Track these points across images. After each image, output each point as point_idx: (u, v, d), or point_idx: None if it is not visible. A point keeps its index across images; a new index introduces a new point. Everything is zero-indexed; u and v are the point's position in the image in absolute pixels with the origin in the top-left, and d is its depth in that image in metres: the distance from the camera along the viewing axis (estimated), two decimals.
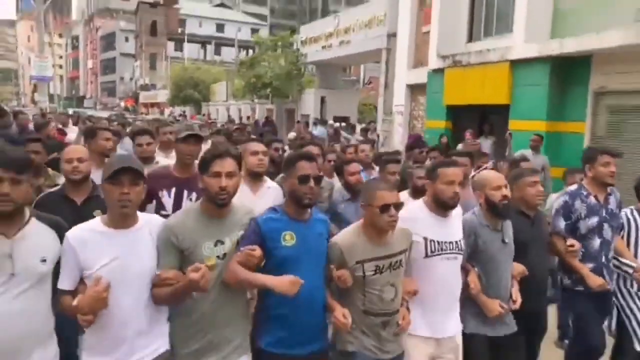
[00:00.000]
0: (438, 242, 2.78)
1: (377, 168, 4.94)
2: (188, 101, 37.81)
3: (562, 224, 3.47)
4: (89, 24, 71.55)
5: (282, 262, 2.41)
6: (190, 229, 2.33)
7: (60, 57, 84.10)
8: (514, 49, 9.34)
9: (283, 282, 2.27)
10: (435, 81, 11.63)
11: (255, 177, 3.43)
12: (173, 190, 3.22)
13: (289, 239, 2.44)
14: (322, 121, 17.41)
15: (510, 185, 3.14)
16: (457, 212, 2.92)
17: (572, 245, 3.37)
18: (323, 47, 18.77)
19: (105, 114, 21.74)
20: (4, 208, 2.02)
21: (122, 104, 54.82)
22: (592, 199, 3.47)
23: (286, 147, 6.62)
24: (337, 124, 16.32)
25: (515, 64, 9.37)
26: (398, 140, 13.43)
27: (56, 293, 2.25)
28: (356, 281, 2.52)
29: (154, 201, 3.16)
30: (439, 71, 11.42)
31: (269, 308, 2.49)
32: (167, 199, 3.19)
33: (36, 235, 2.16)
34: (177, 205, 3.15)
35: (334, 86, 20.68)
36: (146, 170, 2.66)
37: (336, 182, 4.26)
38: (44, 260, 2.15)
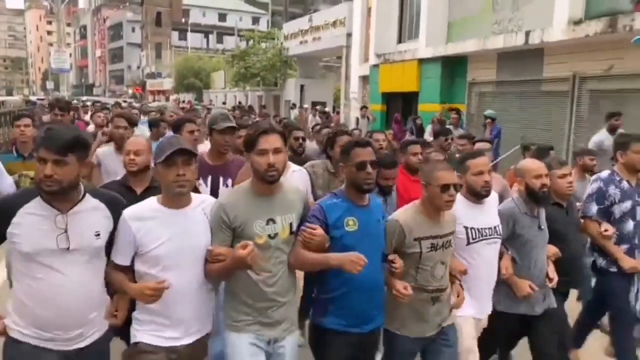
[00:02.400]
0: (478, 230, 2.88)
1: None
2: (190, 88, 41.06)
3: (594, 208, 3.58)
4: (97, 15, 74.35)
5: (346, 246, 2.42)
6: (241, 207, 2.32)
7: (68, 44, 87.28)
8: (420, 50, 12.70)
9: (345, 260, 2.29)
10: (374, 74, 15.01)
11: None
12: (209, 178, 3.25)
13: (352, 224, 2.46)
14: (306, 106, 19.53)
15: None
16: (492, 198, 3.01)
17: (606, 230, 3.50)
18: (300, 43, 22.09)
19: (111, 101, 24.36)
20: (49, 189, 2.02)
21: (130, 91, 57.66)
22: (625, 184, 3.56)
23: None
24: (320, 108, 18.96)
25: (421, 61, 12.72)
26: (353, 119, 16.79)
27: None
28: (412, 258, 2.60)
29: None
30: (376, 66, 14.79)
31: (331, 290, 2.52)
32: (204, 188, 3.21)
33: (90, 211, 2.17)
34: (213, 193, 3.14)
35: (312, 75, 24.00)
36: None
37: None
38: (97, 234, 2.17)
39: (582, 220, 3.61)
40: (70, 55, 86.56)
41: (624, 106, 7.46)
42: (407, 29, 14.29)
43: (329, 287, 2.53)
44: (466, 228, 2.86)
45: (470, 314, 2.92)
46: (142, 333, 2.28)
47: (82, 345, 2.19)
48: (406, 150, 4.18)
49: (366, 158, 2.48)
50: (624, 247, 3.55)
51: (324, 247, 2.40)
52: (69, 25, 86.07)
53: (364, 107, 14.13)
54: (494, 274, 2.98)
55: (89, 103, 18.95)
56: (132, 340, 2.31)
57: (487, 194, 2.91)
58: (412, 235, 2.60)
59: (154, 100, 39.28)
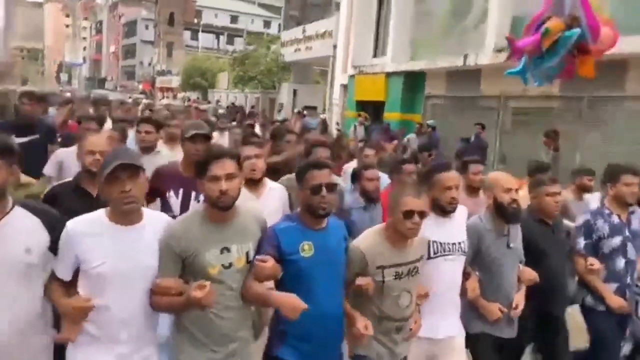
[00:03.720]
0: (441, 244, 2.76)
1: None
2: (196, 87, 42.88)
3: (582, 242, 3.42)
4: (113, 11, 76.54)
5: (301, 272, 2.34)
6: (193, 234, 2.19)
7: (84, 38, 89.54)
8: (387, 65, 14.35)
9: (285, 304, 2.21)
10: (351, 83, 16.68)
11: (253, 182, 3.20)
12: (180, 190, 3.09)
13: (307, 249, 2.35)
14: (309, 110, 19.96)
15: (530, 192, 3.27)
16: (460, 212, 2.90)
17: (592, 264, 3.31)
18: (295, 50, 23.80)
19: (122, 96, 25.89)
20: None
21: (140, 87, 59.58)
22: (615, 218, 3.39)
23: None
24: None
25: (388, 75, 14.36)
26: (334, 124, 18.42)
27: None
28: (375, 286, 2.47)
29: (159, 201, 3.06)
30: (352, 76, 16.45)
31: (285, 319, 2.32)
32: (175, 200, 3.07)
33: (19, 225, 2.05)
34: (184, 206, 3.04)
35: (305, 81, 25.68)
36: (154, 166, 2.84)
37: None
38: (28, 250, 2.04)
39: (570, 245, 3.47)
40: (85, 49, 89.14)
41: (540, 122, 9.01)
42: (381, 45, 15.94)
43: (282, 315, 2.38)
44: (429, 241, 2.74)
45: (424, 335, 2.75)
46: (76, 356, 2.13)
47: None
48: (400, 169, 4.02)
49: (322, 181, 2.35)
50: (614, 285, 3.37)
51: (276, 277, 2.33)
52: (85, 19, 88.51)
53: (360, 115, 14.69)
54: (455, 292, 2.87)
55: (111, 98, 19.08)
56: None
57: (453, 210, 2.81)
58: (375, 264, 2.49)
59: (163, 97, 40.69)
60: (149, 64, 64.27)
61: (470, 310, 2.97)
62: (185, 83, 44.44)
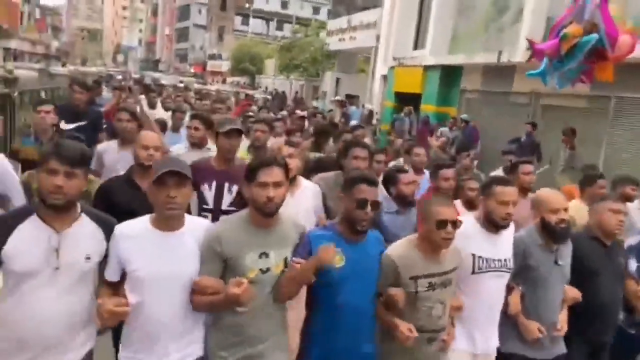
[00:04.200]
0: (486, 260, 2.72)
1: (426, 173, 4.75)
2: (244, 72, 43.95)
3: (634, 265, 3.26)
4: None
5: (330, 282, 2.38)
6: (234, 237, 2.27)
7: (141, 20, 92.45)
8: (425, 58, 14.65)
9: (320, 254, 2.24)
10: (391, 74, 17.05)
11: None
12: (214, 183, 3.19)
13: (338, 260, 2.34)
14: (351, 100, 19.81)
15: (589, 206, 3.17)
16: (509, 229, 2.84)
17: None
18: (339, 40, 24.26)
19: (174, 79, 26.97)
20: (56, 201, 2.01)
21: (192, 70, 61.35)
22: None
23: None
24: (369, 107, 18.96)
25: (426, 68, 14.68)
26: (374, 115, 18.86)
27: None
28: (408, 297, 2.45)
29: (196, 194, 3.09)
30: (392, 68, 16.82)
31: (314, 328, 2.48)
32: (208, 193, 3.17)
33: (84, 233, 2.16)
34: (217, 198, 3.15)
35: (349, 70, 26.13)
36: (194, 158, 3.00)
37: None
38: (88, 258, 2.15)
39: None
40: (141, 30, 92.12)
41: (569, 120, 9.24)
42: (421, 38, 16.21)
43: (315, 323, 2.51)
44: (474, 256, 2.71)
45: (463, 348, 2.75)
46: (124, 354, 2.28)
47: None
48: (437, 174, 4.00)
49: (369, 197, 2.39)
50: None
51: (309, 281, 2.33)
52: (142, 2, 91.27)
53: (407, 107, 14.65)
54: (497, 309, 2.83)
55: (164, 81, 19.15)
56: (119, 355, 2.32)
57: (506, 227, 2.76)
58: (407, 274, 2.47)
59: (213, 81, 41.40)
60: (201, 48, 65.95)
61: (507, 327, 2.88)
62: (234, 68, 45.59)
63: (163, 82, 20.54)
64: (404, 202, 3.58)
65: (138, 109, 4.73)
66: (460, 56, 13.07)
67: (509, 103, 11.76)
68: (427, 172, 4.82)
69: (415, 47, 16.50)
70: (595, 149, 9.03)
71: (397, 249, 2.56)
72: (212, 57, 58.46)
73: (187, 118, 6.14)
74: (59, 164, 2.01)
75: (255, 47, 46.78)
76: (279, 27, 62.65)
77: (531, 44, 7.08)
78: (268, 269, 2.31)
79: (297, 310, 2.69)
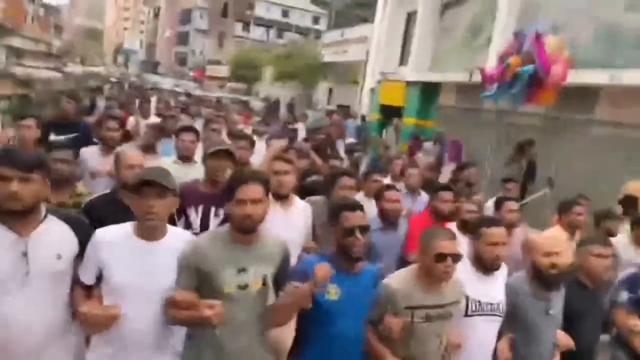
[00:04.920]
0: (479, 303, 2.68)
1: (422, 193, 4.77)
2: (242, 79, 45.00)
3: (625, 296, 3.16)
4: None
5: (323, 313, 2.37)
6: (213, 252, 2.25)
7: (142, 21, 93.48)
8: (407, 74, 15.79)
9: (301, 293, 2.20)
10: (378, 88, 18.18)
11: (280, 197, 3.28)
12: (200, 207, 3.14)
13: (333, 293, 2.34)
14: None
15: (576, 250, 3.10)
16: (502, 272, 2.83)
17: (636, 325, 3.10)
18: (333, 52, 25.44)
19: (172, 83, 27.94)
20: (13, 207, 1.98)
21: (191, 74, 62.32)
22: None
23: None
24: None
25: (408, 83, 15.81)
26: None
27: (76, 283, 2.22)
28: (404, 326, 2.42)
29: (183, 218, 3.10)
30: (379, 82, 17.97)
31: (305, 357, 2.45)
32: (195, 217, 3.13)
33: (52, 233, 2.13)
34: (204, 222, 3.10)
35: (341, 81, 27.28)
36: (189, 177, 3.06)
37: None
38: (60, 257, 2.13)
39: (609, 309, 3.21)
40: (142, 32, 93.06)
41: (527, 136, 10.27)
42: (406, 54, 17.39)
43: (304, 353, 2.47)
44: (467, 298, 2.66)
45: None
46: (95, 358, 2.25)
47: None
48: (436, 196, 3.96)
49: (355, 223, 2.36)
50: None
51: (308, 306, 2.27)
52: (144, 3, 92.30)
53: (395, 118, 15.58)
54: (488, 355, 2.77)
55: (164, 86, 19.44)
56: None
57: (496, 269, 2.73)
58: (404, 304, 2.43)
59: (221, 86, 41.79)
60: (200, 53, 67.04)
61: None
62: (233, 74, 46.64)
63: (164, 86, 21.07)
64: (387, 219, 3.62)
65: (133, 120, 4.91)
66: (437, 74, 14.20)
67: (479, 120, 12.85)
68: (423, 193, 4.90)
69: (401, 63, 17.65)
70: (548, 162, 10.14)
71: (396, 279, 2.56)
72: (212, 62, 59.49)
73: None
74: (11, 170, 1.97)
75: (254, 54, 47.86)
76: (279, 35, 63.84)
77: (481, 71, 8.22)
78: (246, 285, 2.29)
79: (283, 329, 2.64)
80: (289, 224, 3.15)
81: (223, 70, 52.48)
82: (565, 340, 2.93)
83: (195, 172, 3.70)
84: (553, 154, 10.17)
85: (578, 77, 8.93)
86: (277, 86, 34.54)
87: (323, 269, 2.22)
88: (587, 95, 9.45)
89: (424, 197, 4.92)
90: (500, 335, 2.83)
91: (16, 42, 34.32)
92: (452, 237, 2.54)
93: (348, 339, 2.41)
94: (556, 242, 2.98)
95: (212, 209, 3.18)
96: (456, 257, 2.45)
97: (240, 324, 2.29)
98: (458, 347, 2.60)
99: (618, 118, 9.00)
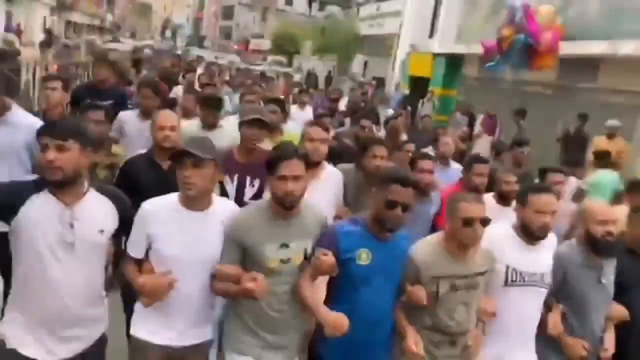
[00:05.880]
0: (520, 273, 2.61)
1: (452, 165, 4.68)
2: (283, 52, 46.11)
3: None
4: None
5: (354, 279, 2.36)
6: (255, 227, 2.28)
7: None
8: (434, 46, 16.63)
9: (329, 322, 2.18)
10: (408, 60, 19.08)
11: (313, 164, 3.14)
12: (236, 176, 3.14)
13: (364, 257, 2.34)
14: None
15: (628, 218, 2.96)
16: (550, 241, 2.73)
17: None
18: (369, 25, 26.26)
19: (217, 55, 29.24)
20: (53, 177, 1.98)
21: (235, 47, 63.75)
22: None
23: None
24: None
25: (435, 55, 16.65)
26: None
27: (119, 255, 2.32)
28: (428, 296, 2.37)
29: (218, 186, 2.94)
30: (409, 54, 18.84)
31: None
32: (230, 186, 3.12)
33: (95, 207, 2.15)
34: (239, 192, 3.10)
35: (376, 54, 28.08)
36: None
37: None
38: (102, 231, 2.16)
39: None
40: (189, 7, 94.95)
41: (539, 104, 11.03)
42: (435, 27, 18.17)
43: None
44: (507, 267, 2.60)
45: None
46: (140, 327, 2.33)
47: (73, 350, 2.16)
48: (471, 168, 3.83)
49: (400, 199, 2.30)
50: None
51: (332, 274, 2.32)
52: None
53: (430, 92, 15.92)
54: (531, 328, 2.70)
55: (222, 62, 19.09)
56: (131, 331, 2.37)
57: (543, 237, 2.64)
58: (429, 273, 2.39)
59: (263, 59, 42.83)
60: (245, 26, 68.22)
61: (548, 348, 2.74)
62: (275, 47, 47.79)
63: (207, 58, 21.95)
64: (419, 189, 3.39)
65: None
66: (462, 46, 15.00)
67: (498, 89, 13.67)
68: (454, 164, 4.82)
69: (430, 35, 18.43)
70: (555, 126, 11.00)
71: (420, 248, 2.50)
72: (255, 35, 60.56)
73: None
74: (49, 139, 1.98)
75: (295, 28, 48.76)
76: (322, 8, 64.09)
77: (482, 44, 9.18)
78: (288, 260, 2.32)
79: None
80: (320, 190, 3.08)
81: (265, 44, 53.51)
82: (619, 311, 2.85)
83: (219, 136, 3.70)
84: (560, 118, 11.01)
85: (580, 47, 9.77)
86: (315, 59, 35.58)
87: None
88: (589, 65, 10.24)
89: (454, 168, 4.80)
90: (548, 308, 2.73)
91: (75, 17, 36.72)
92: (480, 200, 2.46)
93: (377, 304, 2.37)
94: (612, 210, 2.86)
95: (248, 179, 3.18)
96: (484, 221, 2.37)
97: (282, 296, 2.34)
98: (492, 315, 2.57)
99: (618, 86, 9.76)
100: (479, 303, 2.55)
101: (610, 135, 8.07)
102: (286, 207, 2.29)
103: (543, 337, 2.74)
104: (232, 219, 2.34)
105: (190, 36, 78.93)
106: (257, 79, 11.27)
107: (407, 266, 2.44)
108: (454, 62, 15.81)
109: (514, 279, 2.64)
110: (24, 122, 3.11)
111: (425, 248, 2.50)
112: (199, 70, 11.33)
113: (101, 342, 2.31)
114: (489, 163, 4.03)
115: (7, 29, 20.45)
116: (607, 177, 5.91)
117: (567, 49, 9.03)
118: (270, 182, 2.33)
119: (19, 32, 20.33)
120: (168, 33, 76.74)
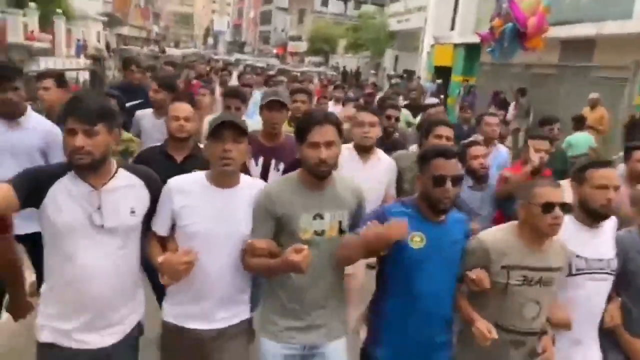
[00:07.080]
0: (586, 260, 2.41)
1: (498, 146, 4.57)
2: (319, 52, 47.91)
3: None
4: None
5: (406, 263, 2.20)
6: (287, 198, 2.17)
7: (229, 4, 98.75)
8: (454, 37, 17.92)
9: (392, 227, 2.00)
10: (432, 51, 20.41)
11: (363, 149, 3.19)
12: (260, 159, 3.14)
13: (418, 240, 2.18)
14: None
15: None
16: (611, 224, 2.52)
17: None
18: (397, 21, 27.62)
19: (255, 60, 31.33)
20: (80, 162, 1.92)
21: (275, 51, 65.87)
22: None
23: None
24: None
25: (455, 45, 17.94)
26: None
27: (146, 235, 2.21)
28: (495, 288, 2.20)
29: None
30: (433, 45, 20.17)
31: (385, 314, 2.28)
32: (254, 168, 3.11)
33: (125, 187, 2.08)
34: (263, 175, 3.08)
35: (406, 48, 29.39)
36: None
37: None
38: (133, 212, 2.08)
39: None
40: (229, 14, 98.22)
41: (544, 84, 12.22)
42: (455, 20, 19.46)
43: (382, 308, 2.30)
44: (571, 255, 2.37)
45: None
46: (170, 312, 2.27)
47: (110, 339, 2.10)
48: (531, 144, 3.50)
49: (447, 172, 2.13)
50: None
51: (385, 249, 2.12)
52: None
53: (465, 80, 17.14)
54: (595, 318, 2.49)
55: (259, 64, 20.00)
56: (162, 316, 2.31)
57: (606, 216, 2.41)
58: (500, 262, 2.20)
59: (293, 60, 44.48)
60: (282, 30, 70.24)
61: (609, 337, 2.57)
62: (311, 48, 49.62)
63: (247, 62, 23.68)
64: (475, 176, 3.39)
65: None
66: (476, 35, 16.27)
67: (510, 72, 14.92)
68: (500, 145, 4.75)
69: (452, 28, 19.72)
70: (557, 101, 12.22)
71: (492, 234, 2.32)
72: (292, 38, 62.33)
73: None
74: (77, 123, 1.90)
75: (330, 28, 50.37)
76: (357, 7, 65.24)
77: (478, 34, 10.59)
78: (323, 231, 2.21)
79: (357, 278, 2.61)
80: (370, 177, 3.03)
81: (303, 46, 55.27)
82: None
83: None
84: (563, 94, 12.24)
85: (572, 31, 11.03)
86: (349, 56, 37.12)
87: (398, 226, 2.03)
88: (585, 46, 11.44)
89: (501, 149, 4.77)
90: (608, 298, 2.53)
91: (124, 30, 39.69)
92: (558, 185, 2.27)
93: (432, 291, 2.22)
94: None
95: (273, 162, 3.18)
96: (565, 207, 2.19)
97: (317, 270, 2.19)
98: (567, 326, 2.41)
99: (608, 62, 10.93)
100: (551, 304, 2.33)
101: (593, 106, 9.35)
102: (318, 176, 2.17)
103: (602, 331, 2.56)
104: (263, 190, 2.24)
105: (231, 42, 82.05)
106: (295, 79, 12.01)
107: (474, 253, 2.26)
108: (472, 51, 17.05)
109: (579, 268, 2.43)
110: (39, 127, 3.13)
111: (496, 235, 2.31)
112: (235, 72, 11.94)
113: (137, 330, 2.24)
114: (546, 139, 3.73)
115: (78, 43, 23.25)
116: (581, 138, 7.51)
117: (565, 32, 10.29)
118: (300, 150, 2.19)
119: (85, 47, 22.96)
120: (210, 40, 79.85)
